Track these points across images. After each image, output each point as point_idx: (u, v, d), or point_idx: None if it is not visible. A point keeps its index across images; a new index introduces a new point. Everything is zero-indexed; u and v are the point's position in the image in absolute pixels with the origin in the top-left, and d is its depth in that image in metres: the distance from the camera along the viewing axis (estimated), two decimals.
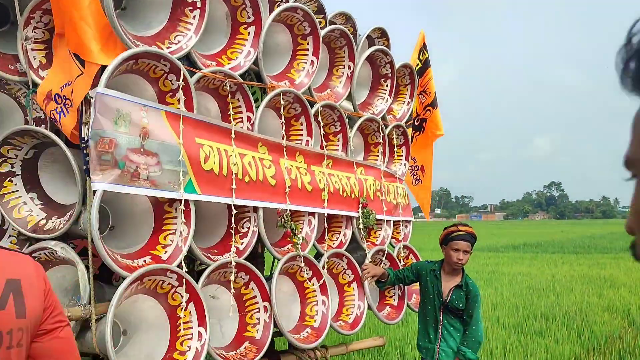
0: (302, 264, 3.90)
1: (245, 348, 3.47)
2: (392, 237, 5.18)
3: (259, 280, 3.58)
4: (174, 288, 3.02)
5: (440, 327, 4.35)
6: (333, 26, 4.43)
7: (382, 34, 5.28)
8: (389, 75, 5.07)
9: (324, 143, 4.50)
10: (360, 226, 4.56)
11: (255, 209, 3.64)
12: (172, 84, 3.15)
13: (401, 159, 5.55)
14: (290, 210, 3.83)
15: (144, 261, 2.99)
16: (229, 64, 3.65)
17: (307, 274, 3.96)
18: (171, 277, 2.99)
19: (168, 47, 3.16)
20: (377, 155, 5.07)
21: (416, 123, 6.00)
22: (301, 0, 4.34)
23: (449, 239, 4.31)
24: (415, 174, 6.03)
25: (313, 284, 4.04)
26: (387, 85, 5.10)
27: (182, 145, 3.09)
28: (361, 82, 4.94)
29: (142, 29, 3.17)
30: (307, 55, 4.17)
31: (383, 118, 5.18)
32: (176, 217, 3.17)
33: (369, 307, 4.51)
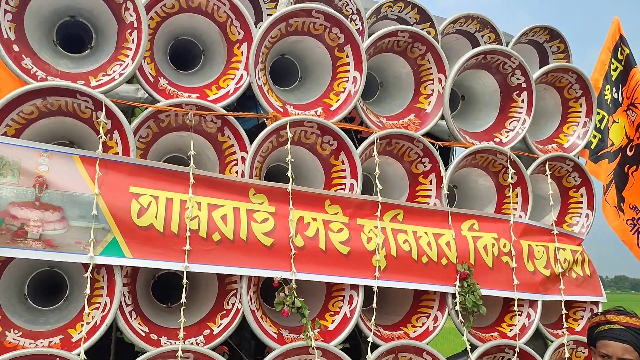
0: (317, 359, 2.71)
1: None
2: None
3: None
4: None
5: None
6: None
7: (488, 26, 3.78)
8: (523, 85, 3.47)
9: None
10: (457, 307, 3.04)
11: (244, 278, 2.70)
12: (107, 125, 2.60)
13: (580, 209, 3.71)
14: (299, 280, 2.74)
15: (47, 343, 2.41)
16: (216, 93, 2.92)
17: None
18: None
19: (98, 80, 2.64)
20: (516, 203, 3.45)
21: (629, 153, 3.99)
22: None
23: (594, 337, 2.50)
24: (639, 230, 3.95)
25: None
26: (522, 101, 3.49)
27: (101, 196, 2.46)
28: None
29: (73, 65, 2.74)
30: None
31: (527, 148, 3.57)
32: (103, 288, 2.52)
33: None
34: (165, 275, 2.96)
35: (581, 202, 3.70)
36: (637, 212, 3.85)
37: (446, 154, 3.69)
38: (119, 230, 2.49)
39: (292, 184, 2.84)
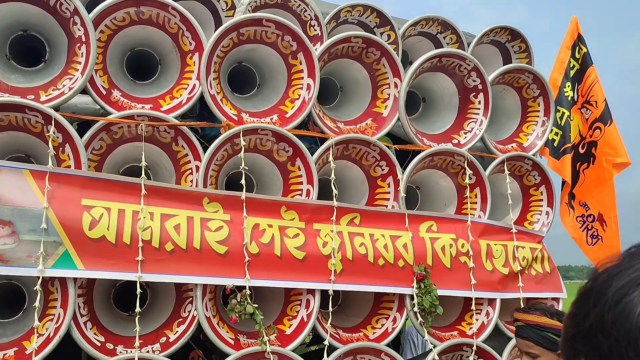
0: None
1: None
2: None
3: None
4: None
5: None
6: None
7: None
8: (479, 87, 3.51)
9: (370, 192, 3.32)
10: (415, 308, 3.09)
11: (199, 286, 2.74)
12: (58, 138, 2.63)
13: (540, 207, 3.76)
14: (253, 287, 2.79)
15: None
16: (169, 103, 2.95)
17: None
18: None
19: (48, 95, 2.67)
20: (475, 203, 3.49)
21: (581, 150, 4.05)
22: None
23: None
24: (590, 227, 4.00)
25: None
26: (479, 102, 3.53)
27: (51, 210, 2.50)
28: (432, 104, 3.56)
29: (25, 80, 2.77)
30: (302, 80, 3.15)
31: (487, 148, 3.61)
32: (56, 300, 2.56)
33: None
34: (125, 284, 2.98)
35: (541, 200, 3.75)
36: (587, 209, 3.90)
37: (409, 156, 3.72)
38: (70, 242, 2.52)
39: (245, 192, 2.87)
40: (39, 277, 2.44)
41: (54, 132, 2.58)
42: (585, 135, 4.00)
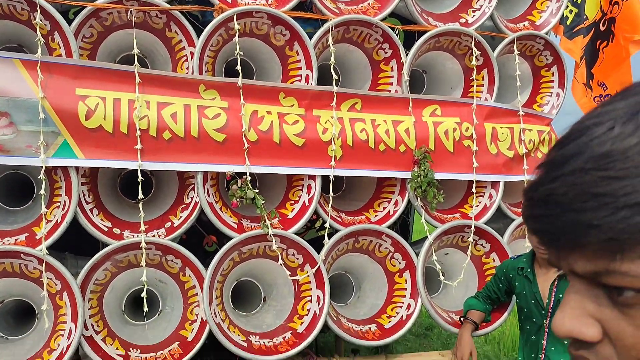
0: (275, 246, 2.85)
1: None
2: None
3: (190, 264, 2.76)
4: None
5: (542, 356, 2.68)
6: None
7: None
8: None
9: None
10: (414, 192, 3.11)
11: (199, 173, 2.78)
12: (46, 26, 2.56)
13: (550, 88, 3.64)
14: (257, 173, 2.82)
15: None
16: None
17: (281, 259, 2.88)
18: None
19: None
20: (482, 85, 3.39)
21: (602, 28, 3.83)
22: None
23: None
24: None
25: (307, 273, 2.94)
26: None
27: (46, 100, 2.49)
28: None
29: None
30: None
31: (496, 27, 3.44)
32: (61, 188, 2.63)
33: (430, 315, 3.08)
34: (130, 173, 3.05)
35: (552, 81, 3.62)
36: (605, 89, 3.75)
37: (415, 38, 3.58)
38: (68, 132, 2.54)
39: (241, 77, 2.81)
40: (42, 167, 2.49)
41: (40, 20, 2.51)
42: (606, 11, 3.76)
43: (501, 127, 3.37)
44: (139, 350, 2.72)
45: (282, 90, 2.93)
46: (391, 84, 3.25)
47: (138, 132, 2.62)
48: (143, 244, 2.64)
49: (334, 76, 3.00)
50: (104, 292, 2.72)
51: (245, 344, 2.75)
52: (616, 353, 0.49)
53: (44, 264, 2.50)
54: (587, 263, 0.49)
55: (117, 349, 2.67)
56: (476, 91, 3.33)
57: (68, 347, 2.51)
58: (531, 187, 0.54)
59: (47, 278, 2.53)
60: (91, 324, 2.63)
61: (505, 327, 6.56)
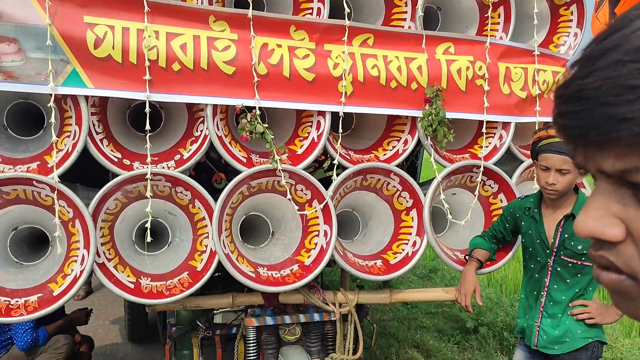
0: (284, 181, 2.87)
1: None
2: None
3: (199, 196, 2.79)
4: None
5: (545, 293, 2.74)
6: None
7: None
8: None
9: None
10: (424, 131, 3.09)
11: (208, 105, 2.77)
12: None
13: (569, 28, 3.54)
14: (267, 107, 2.81)
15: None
16: None
17: (289, 194, 2.91)
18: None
19: None
20: (498, 24, 3.31)
21: None
22: None
23: (536, 151, 2.60)
24: None
25: (314, 209, 2.97)
26: None
27: (54, 27, 2.46)
28: None
29: None
30: None
31: None
32: (71, 117, 2.64)
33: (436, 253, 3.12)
34: (140, 105, 3.04)
35: (571, 20, 3.52)
36: None
37: None
38: (77, 61, 2.52)
39: (252, 9, 2.75)
40: (51, 95, 2.48)
41: None
42: None
43: (515, 67, 3.31)
44: (149, 279, 2.79)
45: (292, 23, 2.88)
46: (404, 19, 3.17)
47: (147, 63, 2.59)
48: (149, 175, 2.66)
49: (347, 9, 2.93)
50: (115, 221, 2.77)
51: (253, 275, 2.81)
52: (638, 253, 0.49)
53: (55, 192, 2.53)
54: (616, 161, 0.48)
55: (128, 276, 2.74)
56: (491, 29, 3.25)
57: (81, 272, 2.58)
58: (562, 85, 0.51)
59: (60, 205, 2.57)
60: (103, 252, 2.69)
61: (508, 271, 6.69)
